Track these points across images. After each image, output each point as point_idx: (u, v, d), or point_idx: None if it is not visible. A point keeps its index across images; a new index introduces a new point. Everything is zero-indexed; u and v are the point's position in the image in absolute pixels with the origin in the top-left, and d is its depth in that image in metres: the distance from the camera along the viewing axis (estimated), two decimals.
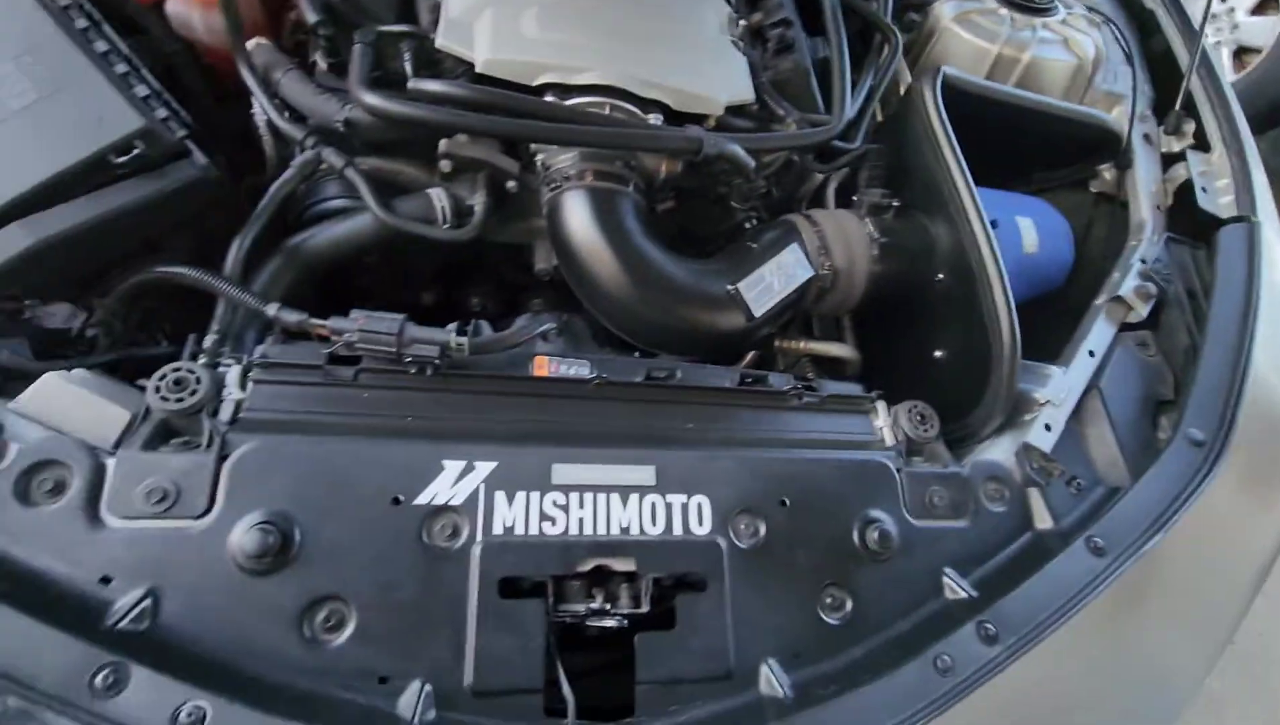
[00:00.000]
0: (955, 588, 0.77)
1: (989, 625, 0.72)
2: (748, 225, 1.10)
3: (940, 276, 1.01)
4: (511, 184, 1.01)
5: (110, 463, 0.64)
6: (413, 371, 0.76)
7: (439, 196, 0.97)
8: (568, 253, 0.93)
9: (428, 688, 0.62)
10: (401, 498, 0.68)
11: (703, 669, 0.69)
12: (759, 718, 0.66)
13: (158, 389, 0.68)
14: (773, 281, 0.94)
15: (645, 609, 0.71)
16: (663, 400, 0.83)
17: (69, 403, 0.68)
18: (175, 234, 0.82)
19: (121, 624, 0.58)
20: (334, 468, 0.68)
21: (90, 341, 0.83)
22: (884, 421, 0.90)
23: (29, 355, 0.74)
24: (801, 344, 1.11)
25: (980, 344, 0.94)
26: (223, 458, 0.66)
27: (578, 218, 0.91)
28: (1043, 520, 0.84)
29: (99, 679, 0.52)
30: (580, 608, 0.69)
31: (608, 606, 0.70)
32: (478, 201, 0.97)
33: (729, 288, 0.92)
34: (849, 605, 0.75)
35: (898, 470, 0.84)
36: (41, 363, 0.72)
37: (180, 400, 0.67)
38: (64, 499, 0.62)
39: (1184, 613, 0.88)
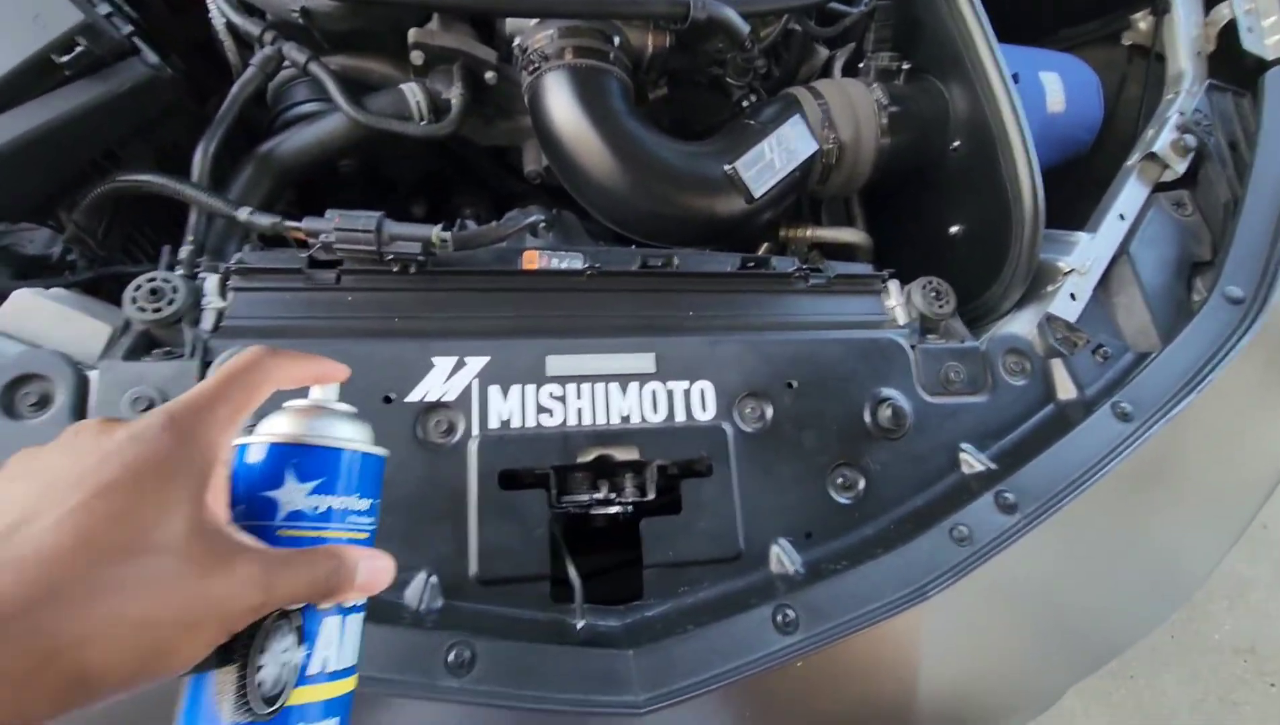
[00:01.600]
0: (972, 461, 0.75)
1: (1007, 495, 0.70)
2: (745, 105, 1.03)
3: (956, 144, 0.94)
4: (489, 75, 0.94)
5: (93, 375, 0.62)
6: (395, 270, 0.72)
7: (413, 91, 0.91)
8: (552, 141, 0.87)
9: (433, 578, 0.61)
10: (393, 396, 0.66)
11: (711, 551, 0.67)
12: (770, 594, 0.65)
13: (134, 300, 0.65)
14: (773, 158, 0.88)
15: (651, 496, 0.70)
16: (661, 289, 0.79)
17: (46, 319, 0.66)
18: (135, 143, 0.78)
19: None
20: None
21: (72, 266, 0.81)
22: (896, 300, 0.85)
23: (7, 277, 0.72)
24: (809, 231, 1.05)
25: (1000, 214, 0.88)
26: (206, 364, 0.64)
27: (559, 100, 0.84)
28: (1066, 391, 0.80)
29: None
30: (584, 497, 0.68)
31: (612, 496, 0.69)
32: (454, 95, 0.91)
33: (726, 168, 0.86)
34: (861, 484, 0.73)
35: (911, 347, 0.80)
36: (19, 284, 0.70)
37: (158, 310, 0.65)
38: (50, 411, 0.61)
39: (1209, 488, 0.84)
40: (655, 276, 0.79)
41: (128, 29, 0.73)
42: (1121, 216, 0.92)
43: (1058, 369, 0.81)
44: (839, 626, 0.61)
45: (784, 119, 0.90)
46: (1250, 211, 0.88)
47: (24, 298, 0.66)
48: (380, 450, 0.42)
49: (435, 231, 0.72)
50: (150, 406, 0.61)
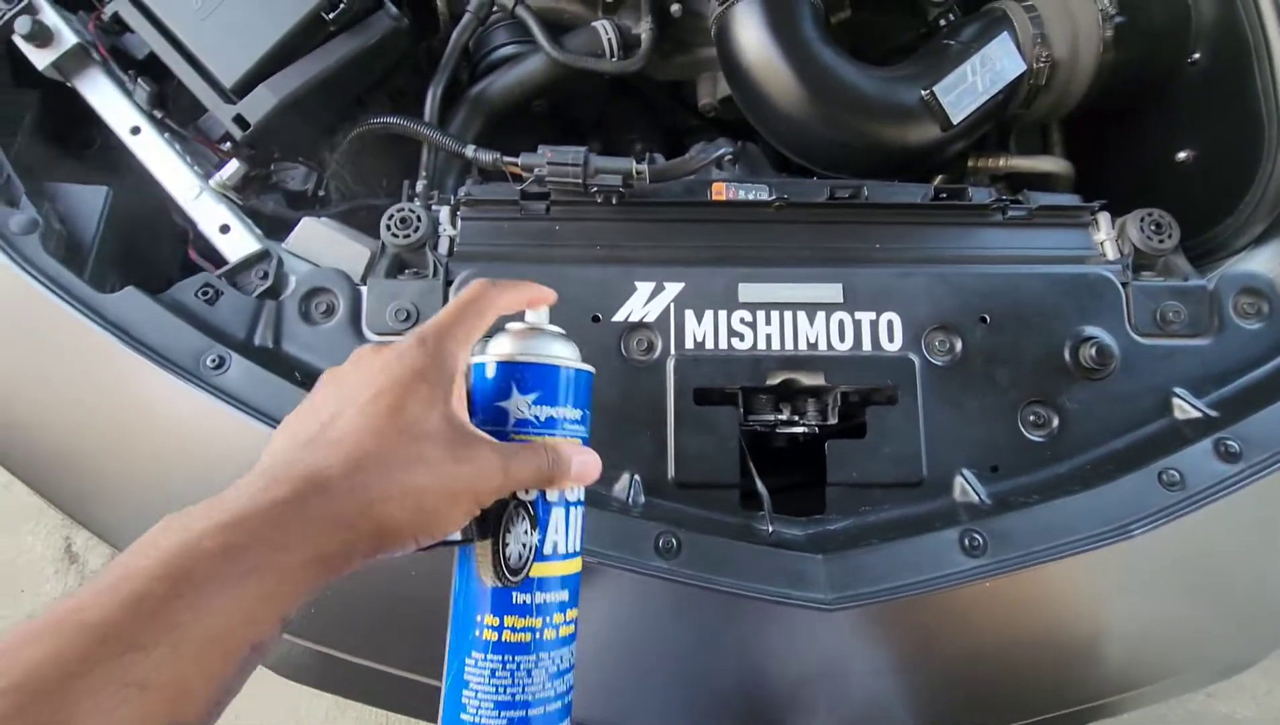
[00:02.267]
0: (1188, 407, 0.70)
1: (1230, 443, 0.65)
2: (943, 24, 0.97)
3: (1195, 56, 0.83)
4: (675, 8, 0.96)
5: (364, 290, 0.75)
6: (599, 200, 0.79)
7: (604, 28, 0.95)
8: (739, 72, 0.88)
9: (637, 477, 0.69)
10: (600, 316, 0.74)
11: (895, 474, 0.70)
12: (952, 520, 0.66)
13: (389, 227, 0.77)
14: (975, 81, 0.83)
15: (833, 421, 0.73)
16: (849, 220, 0.80)
17: (324, 242, 0.80)
18: (374, 92, 0.89)
19: None
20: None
21: (323, 199, 0.96)
22: (1106, 234, 0.79)
23: (287, 207, 0.87)
24: (1001, 161, 0.99)
25: (1246, 136, 0.78)
26: (448, 283, 0.75)
27: (750, 29, 0.85)
28: None
29: None
30: (770, 417, 0.73)
31: (796, 418, 0.73)
32: (644, 30, 0.94)
33: (923, 92, 0.83)
34: (1055, 422, 0.72)
35: (1123, 284, 0.75)
36: (297, 213, 0.85)
37: (407, 236, 0.76)
38: (335, 319, 0.74)
39: None
40: (843, 208, 0.79)
41: None
42: None
43: None
44: (1030, 555, 0.61)
45: (990, 37, 0.84)
46: None
47: (311, 226, 0.79)
48: (588, 367, 0.48)
49: (633, 164, 0.78)
50: (408, 317, 0.73)
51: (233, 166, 0.80)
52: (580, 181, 0.77)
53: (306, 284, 0.74)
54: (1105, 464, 0.69)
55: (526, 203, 0.80)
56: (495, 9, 0.93)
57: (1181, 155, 0.86)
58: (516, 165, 0.80)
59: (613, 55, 0.94)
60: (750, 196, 0.81)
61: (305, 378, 0.70)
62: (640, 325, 0.73)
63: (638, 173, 0.78)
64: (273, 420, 0.65)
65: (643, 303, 0.74)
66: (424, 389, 0.39)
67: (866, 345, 0.73)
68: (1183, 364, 0.73)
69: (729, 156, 0.85)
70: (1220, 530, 0.66)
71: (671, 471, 0.70)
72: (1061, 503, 0.64)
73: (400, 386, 0.38)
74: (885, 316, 0.74)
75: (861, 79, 0.85)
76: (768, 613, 0.61)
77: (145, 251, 0.87)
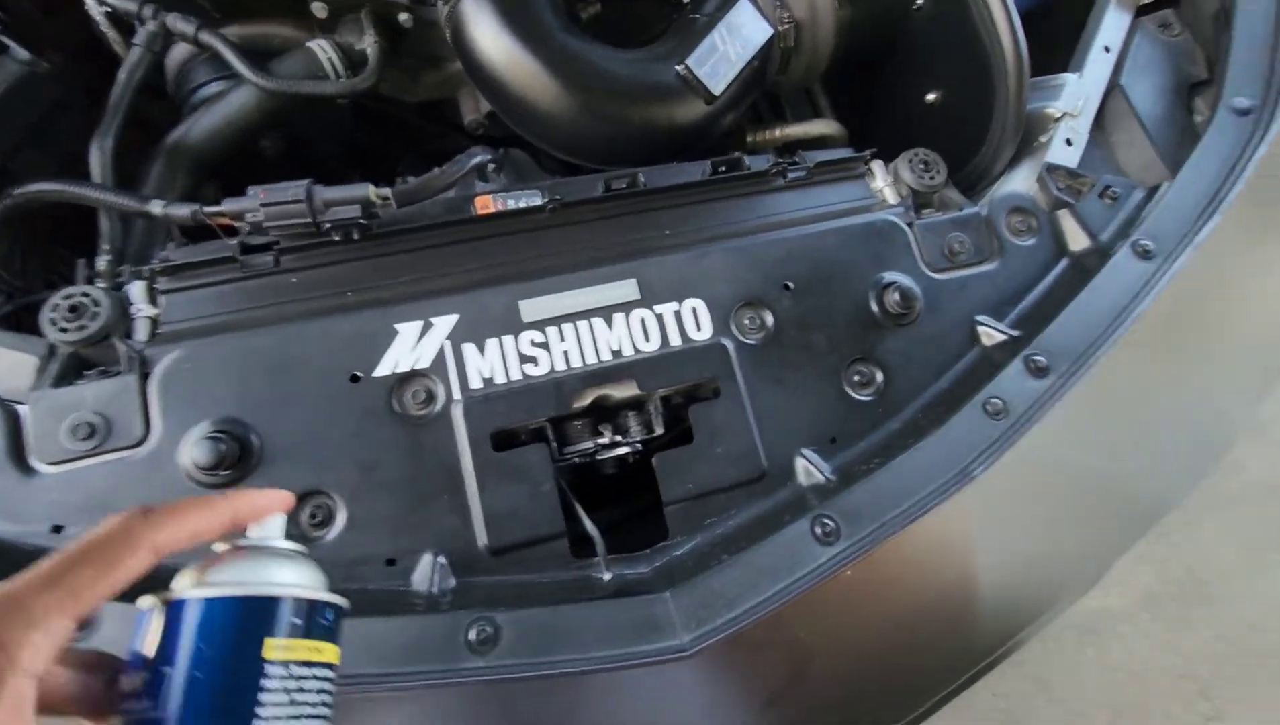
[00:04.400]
0: (993, 332, 0.69)
1: (1037, 358, 0.65)
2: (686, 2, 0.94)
3: (919, 2, 0.86)
4: (404, 16, 0.85)
5: (23, 409, 0.56)
6: (338, 239, 0.65)
7: (322, 48, 0.82)
8: (484, 75, 0.79)
9: (440, 558, 0.56)
10: (359, 373, 0.60)
11: (733, 475, 0.63)
12: (803, 508, 0.60)
13: (53, 321, 0.59)
14: (727, 50, 0.80)
15: (659, 432, 0.64)
16: (631, 211, 0.73)
17: None
18: (29, 152, 0.70)
19: None
20: (274, 358, 0.60)
21: None
22: (883, 180, 0.79)
23: None
24: (777, 131, 0.98)
25: (978, 69, 0.80)
26: (146, 376, 0.58)
27: (484, 25, 0.76)
28: (1078, 241, 0.75)
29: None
30: (588, 445, 0.63)
31: (617, 438, 0.64)
32: (369, 44, 0.83)
33: (678, 68, 0.78)
34: (879, 378, 0.68)
35: (908, 225, 0.74)
36: None
37: (82, 327, 0.59)
38: None
39: (1243, 322, 0.80)
40: (622, 199, 0.72)
41: None
42: (1106, 49, 0.85)
43: (1066, 219, 0.75)
44: (882, 527, 0.56)
45: (730, 5, 0.82)
46: (1245, 15, 0.81)
47: None
48: (334, 598, 0.36)
49: (372, 189, 0.65)
50: (92, 432, 0.55)
51: None
52: (309, 220, 0.64)
53: None
54: (934, 408, 0.66)
55: (248, 258, 0.65)
56: (173, 39, 0.77)
57: (930, 97, 0.89)
58: (223, 214, 0.64)
59: (338, 76, 0.82)
60: (521, 204, 0.71)
61: None
62: (412, 374, 0.61)
63: (380, 199, 0.66)
64: None
65: (410, 347, 0.62)
66: None
67: (675, 339, 0.66)
68: (978, 291, 0.72)
69: (491, 165, 0.76)
70: (1052, 441, 0.65)
71: (482, 538, 0.58)
72: (902, 461, 0.60)
73: None
74: (688, 304, 0.67)
75: (614, 62, 0.79)
76: (622, 679, 0.51)
77: None
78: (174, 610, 0.33)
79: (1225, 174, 0.72)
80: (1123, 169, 0.82)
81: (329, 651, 0.35)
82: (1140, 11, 0.88)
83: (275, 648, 0.33)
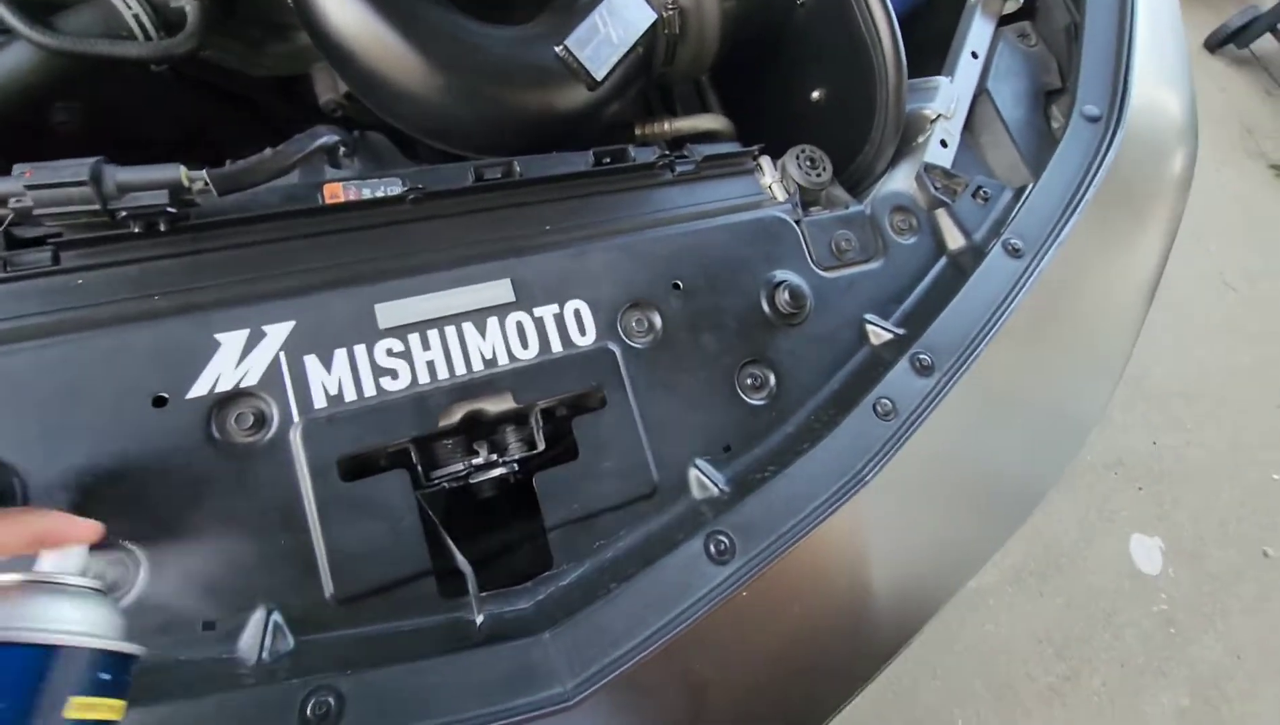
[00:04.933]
0: (880, 331, 0.69)
1: (922, 357, 0.64)
2: None
3: (801, 0, 0.85)
4: None
5: None
6: (138, 230, 0.54)
7: (126, 3, 0.68)
8: (333, 48, 0.69)
9: (274, 615, 0.47)
10: (167, 395, 0.49)
11: (622, 492, 0.57)
12: (697, 523, 0.56)
13: None
14: (609, 33, 0.74)
15: (540, 447, 0.58)
16: (504, 204, 0.66)
17: None
18: None
19: None
20: (48, 380, 0.47)
21: None
22: (771, 176, 0.76)
23: None
24: (665, 125, 0.94)
25: (859, 68, 0.80)
26: None
27: None
28: (955, 240, 0.76)
29: None
30: (458, 467, 0.55)
31: (494, 457, 0.56)
32: (187, 2, 0.70)
33: (557, 49, 0.72)
34: (772, 380, 0.66)
35: (796, 222, 0.72)
36: None
37: None
38: None
39: (1100, 317, 0.85)
40: (495, 190, 0.65)
41: None
42: (974, 54, 0.88)
43: (943, 218, 0.77)
44: (778, 540, 0.53)
45: None
46: (1092, 30, 0.86)
47: None
48: (126, 646, 0.32)
49: (184, 171, 0.54)
50: None
51: None
52: (98, 207, 0.52)
53: None
54: (826, 410, 0.64)
55: (15, 255, 0.52)
56: None
57: (815, 94, 0.88)
58: None
59: (147, 37, 0.68)
60: (378, 192, 0.62)
61: None
62: (237, 393, 0.51)
63: (193, 183, 0.55)
64: None
65: (234, 362, 0.51)
66: None
67: (556, 345, 0.59)
68: (865, 290, 0.72)
69: (342, 148, 0.66)
70: (940, 437, 0.65)
71: (329, 587, 0.49)
72: (796, 468, 0.57)
73: None
74: (570, 306, 0.61)
75: (487, 39, 0.72)
76: None
77: None
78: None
79: (1080, 178, 0.75)
80: (990, 168, 0.84)
81: (119, 709, 0.30)
82: (1002, 21, 0.92)
83: (78, 707, 0.28)
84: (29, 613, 0.29)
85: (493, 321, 0.58)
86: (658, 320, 0.63)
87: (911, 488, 0.64)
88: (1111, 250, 0.82)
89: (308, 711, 0.41)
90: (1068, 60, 0.88)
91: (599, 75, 0.73)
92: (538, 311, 0.60)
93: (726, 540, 0.52)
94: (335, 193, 0.62)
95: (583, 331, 0.61)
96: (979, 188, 0.78)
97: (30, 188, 0.50)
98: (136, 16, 0.68)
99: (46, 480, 0.46)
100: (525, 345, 0.59)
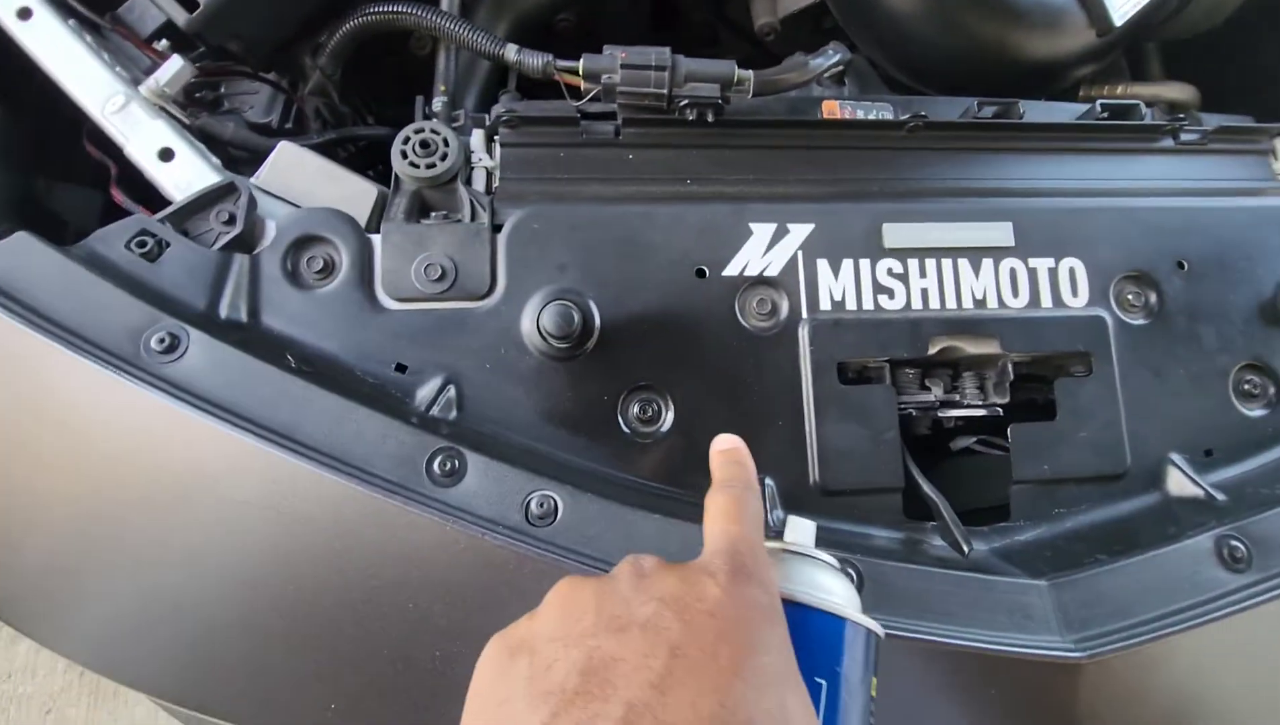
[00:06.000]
0: None
1: None
2: None
3: None
4: None
5: (376, 238, 0.54)
6: (691, 118, 0.59)
7: None
8: None
9: (770, 483, 0.51)
10: (707, 269, 0.55)
11: (1092, 466, 0.55)
12: (1170, 521, 0.52)
13: (405, 155, 0.56)
14: None
15: (997, 399, 0.57)
16: (1000, 145, 0.63)
17: (312, 175, 0.58)
18: None
19: (433, 412, 0.50)
20: (624, 237, 0.55)
21: (291, 131, 0.72)
22: None
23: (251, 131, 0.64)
24: (1120, 88, 0.84)
25: None
26: (497, 228, 0.54)
27: None
28: None
29: (437, 465, 0.45)
30: (929, 398, 0.56)
31: (960, 398, 0.56)
32: None
33: None
34: (1272, 391, 0.58)
35: None
36: (269, 140, 0.62)
37: (432, 166, 0.55)
38: (336, 279, 0.53)
39: None
40: (994, 130, 0.63)
41: None
42: None
43: None
44: None
45: None
46: None
47: (291, 151, 0.57)
48: (880, 629, 0.33)
49: (736, 70, 0.59)
50: (442, 275, 0.52)
51: (174, 66, 0.56)
52: (664, 93, 0.58)
53: (293, 231, 0.53)
54: None
55: (589, 123, 0.60)
56: None
57: None
58: (575, 73, 0.59)
59: None
60: (874, 115, 0.63)
61: (303, 362, 0.49)
62: (760, 281, 0.55)
63: (739, 81, 0.59)
64: (259, 428, 0.44)
65: (761, 252, 0.56)
66: (784, 646, 0.28)
67: (1046, 301, 0.57)
68: None
69: (840, 68, 0.67)
70: None
71: (815, 475, 0.52)
72: None
73: (787, 665, 0.28)
74: (1065, 263, 0.58)
75: None
76: (983, 669, 0.45)
77: (52, 196, 0.63)
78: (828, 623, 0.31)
79: None
80: None
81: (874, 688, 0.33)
82: None
83: (874, 688, 0.32)
84: (823, 583, 0.32)
85: (988, 262, 0.57)
86: (1154, 298, 0.58)
87: None
88: None
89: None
90: None
91: (1119, 21, 0.66)
92: (1033, 262, 0.57)
93: (1243, 548, 0.48)
94: (833, 110, 0.64)
95: (1074, 292, 0.57)
96: None
97: (624, 67, 0.57)
98: None
99: (611, 318, 0.53)
100: (1016, 294, 0.57)
